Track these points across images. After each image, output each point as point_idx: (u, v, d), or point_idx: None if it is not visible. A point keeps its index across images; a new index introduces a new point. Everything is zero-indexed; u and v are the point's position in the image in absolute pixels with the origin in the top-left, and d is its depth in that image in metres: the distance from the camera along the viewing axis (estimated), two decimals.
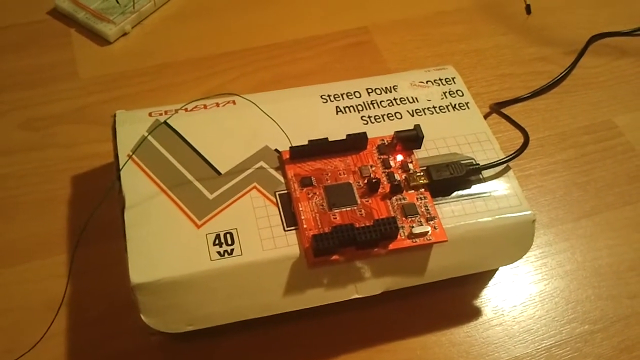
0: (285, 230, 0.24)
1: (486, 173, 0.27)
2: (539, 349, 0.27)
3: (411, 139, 0.26)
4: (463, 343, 0.26)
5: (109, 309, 0.26)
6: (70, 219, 0.28)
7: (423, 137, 0.26)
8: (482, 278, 0.28)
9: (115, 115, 0.27)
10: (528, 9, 0.39)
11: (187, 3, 0.38)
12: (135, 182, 0.25)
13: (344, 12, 0.38)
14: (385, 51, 0.36)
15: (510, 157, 0.27)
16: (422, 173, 0.26)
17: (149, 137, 0.27)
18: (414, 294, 0.26)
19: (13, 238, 0.28)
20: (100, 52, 0.35)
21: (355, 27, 0.37)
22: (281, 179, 0.26)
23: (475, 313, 0.27)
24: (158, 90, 0.33)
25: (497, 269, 0.28)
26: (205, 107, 0.28)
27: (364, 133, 0.26)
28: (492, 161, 0.27)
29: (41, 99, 0.32)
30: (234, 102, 0.28)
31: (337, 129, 0.27)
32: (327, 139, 0.26)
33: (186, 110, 0.28)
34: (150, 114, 0.28)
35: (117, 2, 0.36)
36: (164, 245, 0.24)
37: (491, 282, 0.28)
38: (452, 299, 0.27)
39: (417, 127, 0.26)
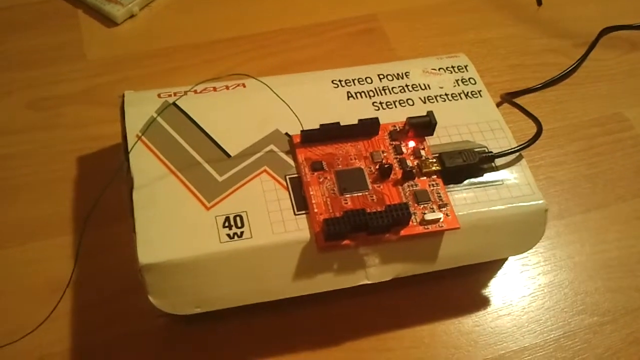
0: (295, 214, 0.24)
1: (499, 161, 0.26)
2: (547, 339, 0.26)
3: (424, 126, 0.26)
4: (471, 332, 0.26)
5: (115, 290, 0.26)
6: (76, 200, 0.28)
7: (436, 123, 0.26)
8: (491, 267, 0.28)
9: (123, 96, 0.27)
10: (539, 1, 0.39)
11: None
12: (144, 163, 0.25)
13: None
14: (394, 39, 0.36)
15: (523, 145, 0.27)
16: (434, 160, 0.25)
17: (158, 118, 0.26)
18: (423, 281, 0.26)
19: (18, 218, 0.27)
20: (107, 34, 0.34)
21: (364, 14, 0.37)
22: (292, 162, 0.25)
23: (484, 302, 0.27)
24: (165, 73, 0.33)
25: (506, 259, 0.28)
26: (214, 89, 0.28)
27: (376, 118, 0.26)
28: (504, 149, 0.27)
29: (48, 79, 0.32)
30: (243, 85, 0.28)
31: (348, 114, 0.27)
32: (338, 123, 0.26)
33: (195, 92, 0.28)
34: (159, 95, 0.27)
35: None
36: (172, 226, 0.23)
37: (500, 272, 0.28)
38: (461, 288, 0.27)
39: (429, 114, 0.26)
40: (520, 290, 0.28)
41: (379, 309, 0.26)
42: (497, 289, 0.28)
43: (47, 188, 0.28)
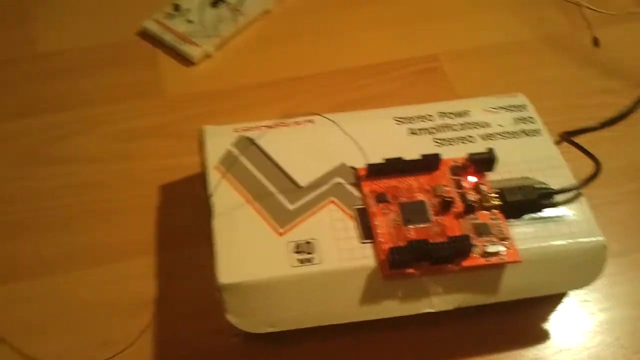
0: (361, 243, 0.26)
1: (558, 198, 0.27)
2: None
3: (484, 162, 0.27)
4: None
5: (193, 310, 0.28)
6: (157, 225, 0.30)
7: (496, 160, 0.27)
8: (551, 301, 0.29)
9: (203, 130, 0.29)
10: (596, 42, 0.40)
11: (265, 30, 0.40)
12: (222, 192, 0.27)
13: (414, 40, 0.40)
14: (453, 78, 0.38)
15: (583, 183, 0.28)
16: (495, 195, 0.26)
17: (234, 151, 0.28)
18: (484, 313, 0.27)
19: (105, 239, 0.30)
20: (184, 72, 0.37)
21: (424, 55, 0.39)
22: (357, 194, 0.27)
23: (544, 336, 0.28)
24: (238, 109, 0.35)
25: (566, 293, 0.29)
26: (286, 125, 0.30)
27: (438, 154, 0.27)
28: (564, 187, 0.27)
29: (131, 113, 0.35)
30: (312, 122, 0.30)
31: (411, 150, 0.28)
32: (402, 158, 0.27)
33: (268, 127, 0.30)
34: (235, 130, 0.29)
35: (202, 26, 0.38)
36: (248, 250, 0.25)
37: (560, 307, 0.29)
38: (522, 321, 0.28)
39: (490, 151, 0.27)
40: (580, 325, 0.28)
41: (439, 339, 0.27)
42: (557, 323, 0.28)
43: (130, 213, 0.31)
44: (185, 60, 0.38)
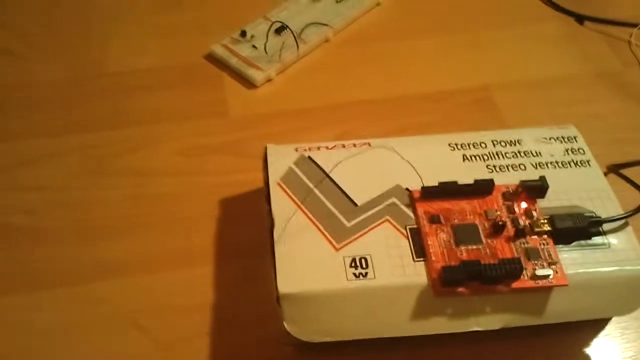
0: (414, 261, 0.27)
1: (606, 227, 0.28)
2: None
3: (536, 189, 0.28)
4: None
5: (248, 319, 0.29)
6: (218, 236, 0.32)
7: (548, 187, 0.28)
8: (594, 327, 0.29)
9: (266, 148, 0.31)
10: None
11: (324, 57, 0.42)
12: (283, 207, 0.29)
13: (466, 70, 0.41)
14: (504, 109, 0.39)
15: (631, 213, 0.28)
16: (545, 221, 0.28)
17: (296, 169, 0.30)
18: (527, 335, 0.28)
19: (166, 248, 0.32)
20: (248, 95, 0.39)
21: (476, 85, 0.40)
22: (411, 214, 0.28)
23: None
24: (297, 131, 0.37)
25: (609, 320, 0.29)
26: (343, 146, 0.32)
27: (491, 180, 0.29)
28: (612, 216, 0.28)
29: (196, 131, 0.37)
30: (369, 144, 0.32)
31: (463, 175, 0.29)
32: (456, 182, 0.29)
33: (327, 147, 0.31)
34: (296, 149, 0.31)
35: (265, 52, 0.40)
36: (307, 263, 0.27)
37: (602, 333, 0.29)
38: (564, 344, 0.29)
39: (542, 178, 0.29)
40: (622, 352, 0.29)
41: (482, 358, 0.28)
42: (598, 348, 0.29)
43: (192, 224, 0.33)
44: (249, 83, 0.40)
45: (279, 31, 0.41)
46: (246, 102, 0.39)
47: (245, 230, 0.32)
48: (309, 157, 0.31)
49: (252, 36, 0.41)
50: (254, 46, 0.41)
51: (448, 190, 0.29)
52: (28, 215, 0.33)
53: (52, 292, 0.30)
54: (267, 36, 0.41)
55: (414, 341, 0.26)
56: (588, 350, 0.29)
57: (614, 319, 0.30)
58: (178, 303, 0.30)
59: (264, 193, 0.30)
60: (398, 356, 0.28)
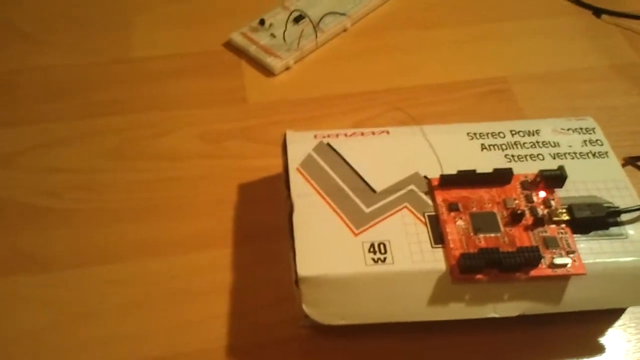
0: (432, 247, 0.27)
1: (624, 217, 0.28)
2: None
3: (555, 179, 0.29)
4: None
5: (265, 300, 0.30)
6: (235, 219, 0.33)
7: (566, 177, 0.28)
8: (609, 317, 0.29)
9: (285, 135, 0.32)
10: None
11: (342, 46, 0.42)
12: (302, 192, 0.29)
13: (484, 61, 0.41)
14: (521, 100, 0.39)
15: None
16: (564, 210, 0.28)
17: (315, 155, 0.30)
18: (544, 323, 0.28)
19: (186, 231, 0.32)
20: (266, 82, 0.40)
21: (494, 76, 0.40)
22: (429, 202, 0.29)
23: (598, 349, 0.28)
24: (314, 119, 0.38)
25: (625, 309, 0.30)
26: (362, 134, 0.32)
27: (510, 168, 0.29)
28: (629, 207, 0.28)
29: (215, 117, 0.38)
30: (387, 132, 0.32)
31: (482, 164, 0.29)
32: (474, 170, 0.29)
33: (346, 135, 0.32)
34: (315, 136, 0.32)
35: (284, 41, 0.40)
36: (325, 247, 0.27)
37: (617, 323, 0.29)
38: (579, 334, 0.29)
39: (561, 168, 0.29)
40: (635, 342, 0.29)
41: (497, 346, 0.28)
42: (613, 338, 0.29)
43: (212, 207, 0.33)
44: (267, 71, 0.40)
45: (297, 20, 0.41)
46: (264, 89, 0.39)
47: (264, 215, 0.33)
48: (328, 144, 0.31)
49: (271, 25, 0.42)
50: (272, 35, 0.41)
51: (467, 179, 0.29)
52: (49, 197, 0.34)
53: (77, 272, 0.31)
54: (285, 25, 0.41)
55: (431, 326, 0.27)
56: (603, 340, 0.29)
57: (629, 309, 0.30)
58: (194, 286, 0.30)
59: (283, 178, 0.30)
60: (414, 341, 0.28)
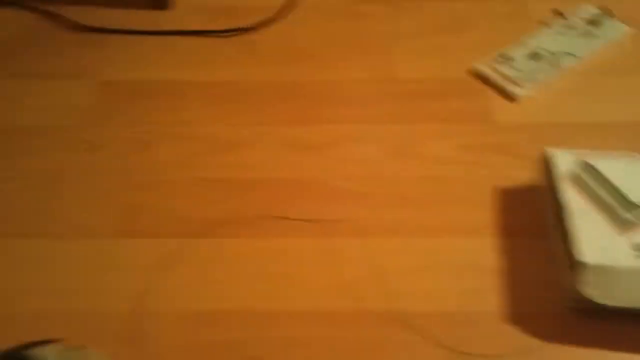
0: None
1: None
2: None
3: None
4: None
5: (533, 281, 0.37)
6: (497, 216, 0.40)
7: None
8: None
9: (548, 152, 0.39)
10: None
11: (573, 82, 0.49)
12: (571, 198, 0.36)
13: None
14: None
15: None
16: None
17: (576, 168, 0.38)
18: None
19: (458, 219, 0.40)
20: (508, 107, 0.47)
21: None
22: None
23: None
24: (552, 141, 0.44)
25: None
26: (611, 156, 0.39)
27: None
28: None
29: (458, 132, 0.46)
30: (634, 157, 0.39)
31: None
32: None
33: (598, 155, 0.39)
34: (571, 154, 0.39)
35: (523, 72, 0.48)
36: (596, 242, 0.34)
37: None
38: None
39: None
40: None
41: None
42: None
43: (472, 203, 0.41)
44: (509, 97, 0.48)
45: (535, 57, 0.49)
46: (507, 112, 0.47)
47: (522, 216, 0.40)
48: (586, 162, 0.38)
49: (512, 58, 0.49)
50: (513, 67, 0.49)
51: None
52: (347, 181, 0.43)
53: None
54: (525, 60, 0.48)
55: None
56: None
57: None
58: (467, 264, 0.38)
59: (545, 185, 0.38)
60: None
